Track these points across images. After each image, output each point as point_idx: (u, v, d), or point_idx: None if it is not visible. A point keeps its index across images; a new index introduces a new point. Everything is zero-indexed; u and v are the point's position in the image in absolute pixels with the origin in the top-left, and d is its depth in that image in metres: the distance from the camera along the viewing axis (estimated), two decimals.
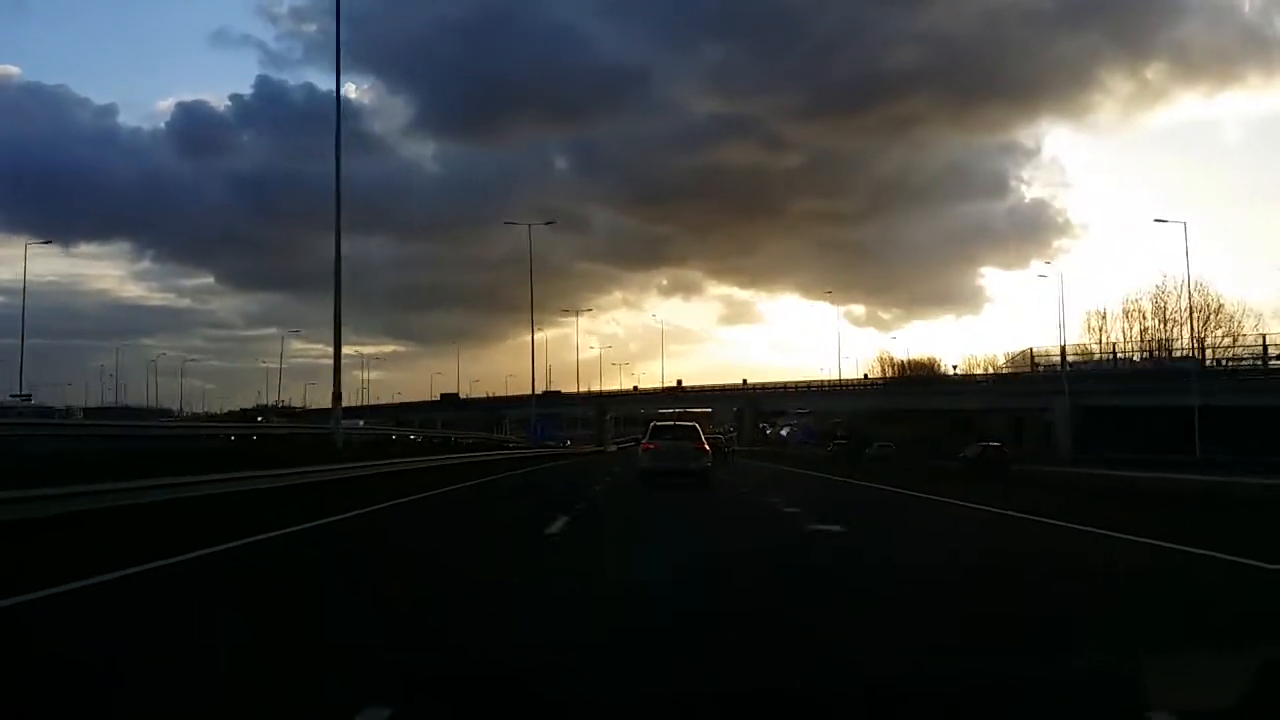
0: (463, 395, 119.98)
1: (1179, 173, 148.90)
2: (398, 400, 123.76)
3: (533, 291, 66.80)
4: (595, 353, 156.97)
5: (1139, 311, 71.00)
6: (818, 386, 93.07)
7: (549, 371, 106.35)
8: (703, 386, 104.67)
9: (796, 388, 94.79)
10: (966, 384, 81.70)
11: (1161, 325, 69.98)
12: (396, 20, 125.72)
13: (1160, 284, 70.63)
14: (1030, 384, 72.33)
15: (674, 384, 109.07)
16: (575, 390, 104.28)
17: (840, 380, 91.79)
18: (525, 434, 68.32)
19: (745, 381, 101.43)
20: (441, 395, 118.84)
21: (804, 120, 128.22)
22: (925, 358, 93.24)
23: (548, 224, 69.01)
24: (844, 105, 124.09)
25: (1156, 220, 67.60)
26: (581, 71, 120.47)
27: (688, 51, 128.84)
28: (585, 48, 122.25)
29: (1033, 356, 76.14)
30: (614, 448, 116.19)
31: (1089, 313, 75.44)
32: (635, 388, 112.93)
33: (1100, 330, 72.23)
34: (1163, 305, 70.17)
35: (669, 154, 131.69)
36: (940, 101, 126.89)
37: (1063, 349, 73.65)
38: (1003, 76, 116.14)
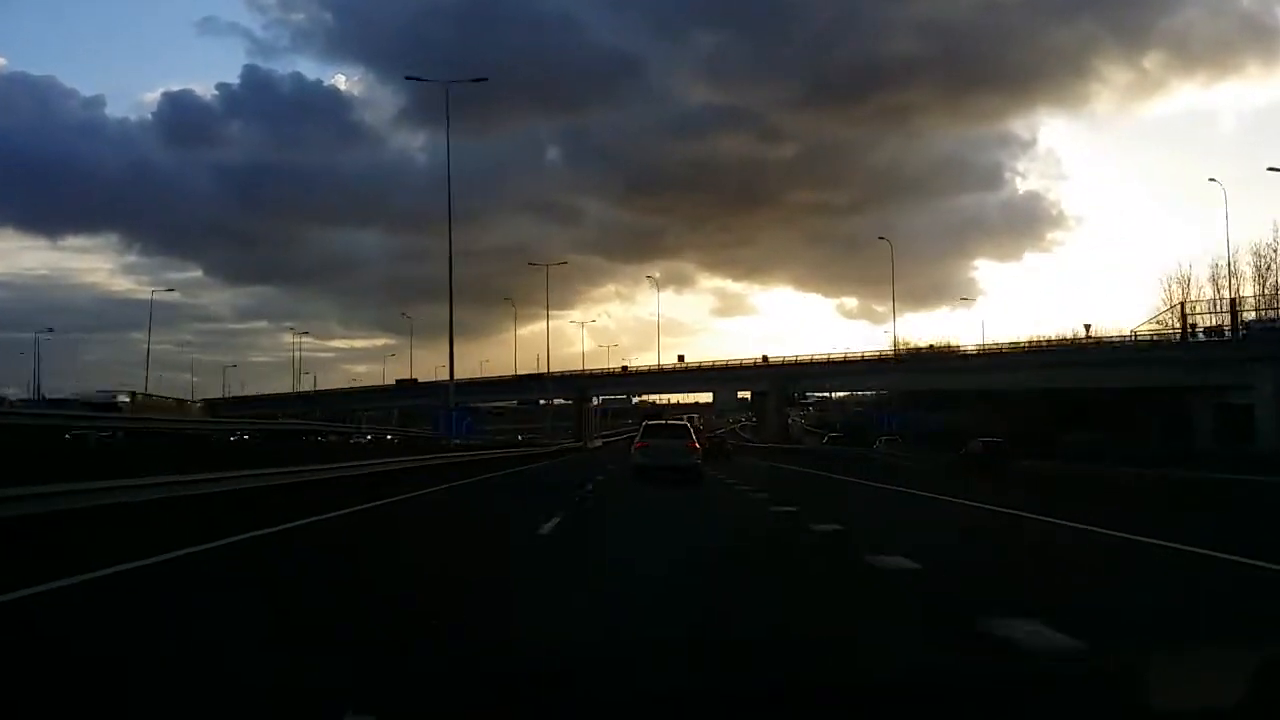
0: (422, 380, 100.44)
1: (1175, 164, 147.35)
2: (351, 386, 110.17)
3: (451, 194, 44.46)
4: (585, 342, 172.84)
5: (1234, 274, 53.84)
6: (870, 360, 70.33)
7: (536, 363, 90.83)
8: (713, 364, 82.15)
9: (844, 362, 72.07)
10: (1093, 351, 58.56)
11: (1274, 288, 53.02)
12: (386, 8, 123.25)
13: (1271, 240, 53.66)
14: (1199, 351, 49.95)
15: (675, 360, 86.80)
16: (548, 370, 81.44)
17: (899, 350, 69.39)
18: (443, 427, 44.95)
19: (766, 358, 78.75)
20: (397, 381, 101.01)
21: (799, 110, 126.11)
22: (944, 343, 74.84)
23: (477, 80, 46.93)
24: (839, 95, 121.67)
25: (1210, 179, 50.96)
26: (574, 60, 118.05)
27: (682, 40, 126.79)
28: (578, 36, 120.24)
29: (1184, 313, 53.92)
30: (599, 443, 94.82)
31: (1167, 279, 59.21)
32: (624, 367, 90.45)
33: (1184, 299, 55.20)
34: (1268, 262, 53.35)
35: (663, 145, 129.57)
36: (936, 91, 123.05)
37: (1234, 302, 51.79)
38: (999, 66, 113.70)
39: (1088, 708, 3.87)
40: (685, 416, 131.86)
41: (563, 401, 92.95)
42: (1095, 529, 11.70)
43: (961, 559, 9.54)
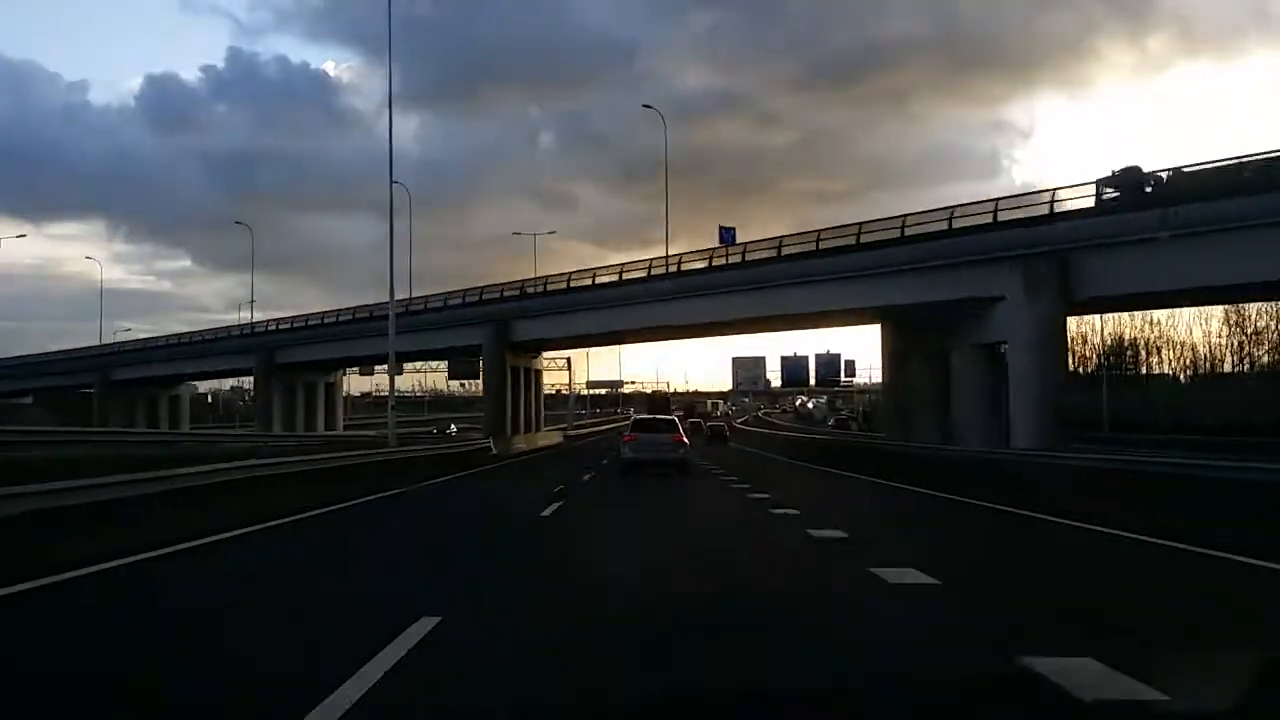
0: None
1: (1174, 148, 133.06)
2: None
3: None
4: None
5: None
6: None
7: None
8: (804, 244, 32.22)
9: None
10: None
11: None
12: None
13: None
14: None
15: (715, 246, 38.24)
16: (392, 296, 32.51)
17: None
18: None
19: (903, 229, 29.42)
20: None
21: (795, 92, 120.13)
22: None
23: None
24: (835, 76, 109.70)
25: None
26: (567, 42, 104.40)
27: (677, 21, 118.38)
28: (571, 17, 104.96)
29: None
30: (557, 436, 55.81)
31: None
32: (593, 278, 40.71)
33: None
34: None
35: (658, 129, 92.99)
36: (933, 73, 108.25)
37: None
38: (997, 47, 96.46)
39: None
40: (710, 403, 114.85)
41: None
42: None
43: None
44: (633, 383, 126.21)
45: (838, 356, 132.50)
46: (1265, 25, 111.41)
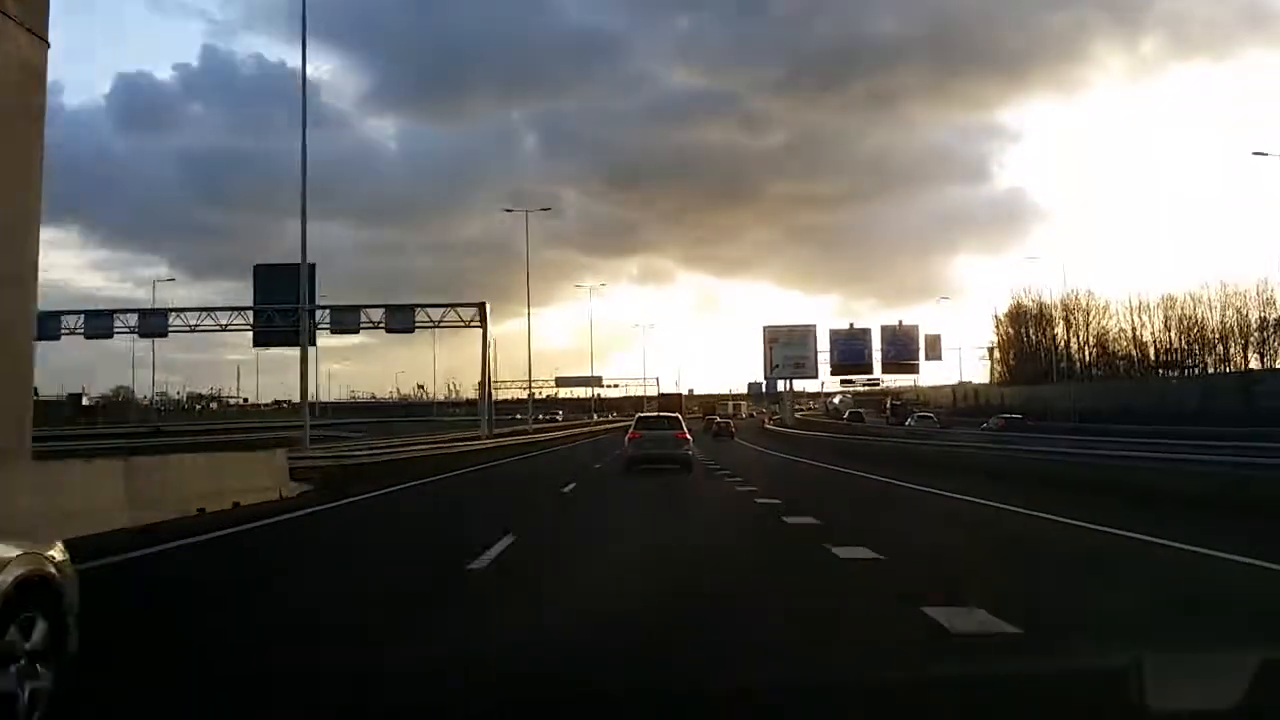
0: None
1: (1168, 153, 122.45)
2: None
3: None
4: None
5: None
6: None
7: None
8: None
9: None
10: None
11: None
12: None
13: None
14: None
15: None
16: None
17: None
18: None
19: None
20: None
21: (781, 94, 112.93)
22: None
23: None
24: (822, 78, 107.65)
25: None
26: (548, 44, 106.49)
27: (661, 22, 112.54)
28: (551, 18, 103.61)
29: None
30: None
31: None
32: None
33: None
34: None
35: (642, 133, 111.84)
36: (922, 75, 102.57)
37: None
38: (988, 48, 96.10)
39: None
40: (732, 405, 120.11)
41: None
42: None
43: None
44: (616, 385, 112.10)
45: (914, 329, 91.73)
46: (1257, 28, 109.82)
